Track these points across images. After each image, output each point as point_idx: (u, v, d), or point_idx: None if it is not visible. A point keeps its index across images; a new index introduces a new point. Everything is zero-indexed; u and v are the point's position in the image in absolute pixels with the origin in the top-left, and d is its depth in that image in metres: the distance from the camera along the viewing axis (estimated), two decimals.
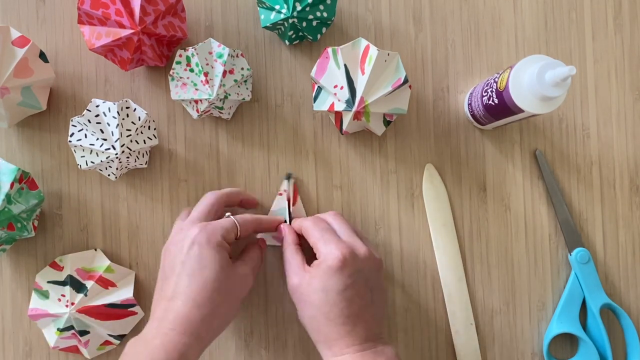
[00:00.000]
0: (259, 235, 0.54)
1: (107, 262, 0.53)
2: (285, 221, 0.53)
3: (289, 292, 0.48)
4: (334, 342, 0.45)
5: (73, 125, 0.50)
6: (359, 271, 0.46)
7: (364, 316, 0.46)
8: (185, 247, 0.46)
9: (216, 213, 0.50)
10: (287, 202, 0.54)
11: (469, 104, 0.55)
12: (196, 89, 0.51)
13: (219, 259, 0.46)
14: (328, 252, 0.46)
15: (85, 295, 0.51)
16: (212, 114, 0.54)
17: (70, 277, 0.52)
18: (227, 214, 0.50)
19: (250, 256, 0.50)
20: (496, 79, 0.49)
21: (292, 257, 0.48)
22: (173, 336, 0.43)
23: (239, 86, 0.52)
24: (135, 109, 0.50)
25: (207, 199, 0.50)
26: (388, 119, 0.51)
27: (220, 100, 0.51)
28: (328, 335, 0.45)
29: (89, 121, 0.49)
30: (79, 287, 0.52)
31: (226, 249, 0.47)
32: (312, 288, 0.45)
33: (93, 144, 0.49)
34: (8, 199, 0.48)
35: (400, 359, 0.46)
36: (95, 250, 0.55)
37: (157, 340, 0.43)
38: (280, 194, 0.55)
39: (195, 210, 0.50)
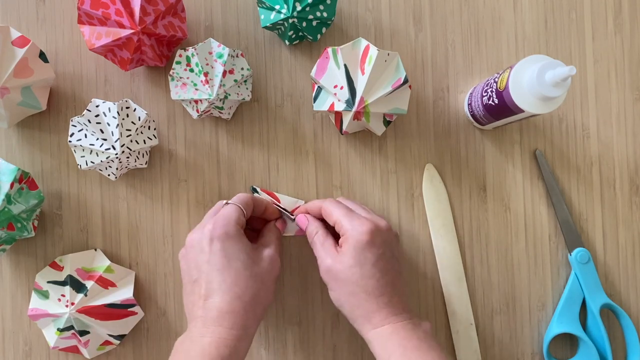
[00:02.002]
0: (277, 223, 0.54)
1: (107, 262, 0.53)
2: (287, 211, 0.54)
3: (321, 276, 0.48)
4: (373, 314, 0.46)
5: (73, 125, 0.50)
6: (385, 242, 0.47)
7: (397, 285, 0.47)
8: (205, 245, 0.46)
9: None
10: (278, 206, 0.54)
11: (469, 104, 0.55)
12: (196, 89, 0.51)
13: (243, 247, 0.47)
14: (354, 227, 0.47)
15: (85, 295, 0.51)
16: (212, 114, 0.54)
17: (70, 277, 0.52)
18: (223, 201, 0.50)
19: (269, 239, 0.50)
20: (496, 79, 0.49)
21: (325, 240, 0.49)
22: (221, 332, 0.44)
23: (239, 86, 0.52)
24: (135, 109, 0.50)
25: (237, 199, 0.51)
26: (388, 119, 0.51)
27: (220, 100, 0.51)
28: (367, 309, 0.46)
29: (89, 121, 0.49)
30: (78, 287, 0.52)
31: (244, 235, 0.48)
32: (346, 265, 0.46)
33: (93, 144, 0.49)
34: (8, 199, 0.48)
35: (435, 335, 0.47)
36: (95, 250, 0.55)
37: (206, 338, 0.43)
38: None
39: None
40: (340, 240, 0.48)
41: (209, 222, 0.47)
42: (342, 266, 0.46)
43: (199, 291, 0.46)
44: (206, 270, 0.46)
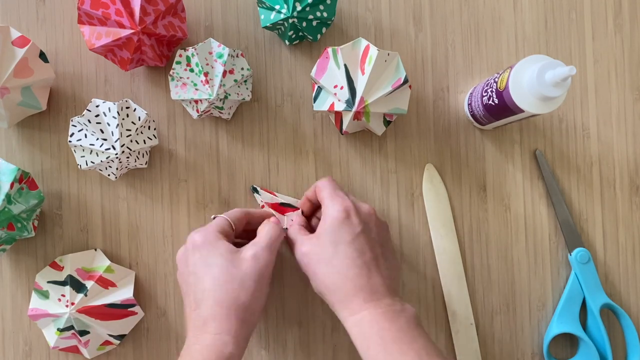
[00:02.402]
0: (272, 219, 0.52)
1: (107, 262, 0.53)
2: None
3: (299, 264, 0.48)
4: (351, 298, 0.44)
5: (73, 125, 0.50)
6: (365, 223, 0.46)
7: (377, 267, 0.45)
8: (188, 257, 0.47)
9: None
10: (280, 205, 0.54)
11: (469, 104, 0.55)
12: (196, 89, 0.51)
13: (221, 251, 0.46)
14: (333, 206, 0.47)
15: (85, 295, 0.51)
16: (212, 114, 0.54)
17: (70, 277, 0.52)
18: (212, 216, 0.50)
19: (258, 238, 0.48)
20: (496, 79, 0.49)
21: (298, 233, 0.49)
22: (207, 339, 0.44)
23: (239, 86, 0.52)
24: (135, 109, 0.50)
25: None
26: (388, 119, 0.51)
27: (220, 100, 0.51)
28: (344, 292, 0.44)
29: (89, 121, 0.49)
30: (79, 287, 0.52)
31: (223, 239, 0.47)
32: (322, 247, 0.45)
33: (93, 144, 0.49)
34: (8, 199, 0.48)
35: (420, 320, 0.45)
36: (95, 250, 0.55)
37: (196, 346, 0.44)
38: (263, 207, 0.54)
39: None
40: (321, 221, 0.47)
41: (191, 236, 0.48)
42: (317, 248, 0.46)
43: (189, 303, 0.47)
44: (192, 282, 0.46)
